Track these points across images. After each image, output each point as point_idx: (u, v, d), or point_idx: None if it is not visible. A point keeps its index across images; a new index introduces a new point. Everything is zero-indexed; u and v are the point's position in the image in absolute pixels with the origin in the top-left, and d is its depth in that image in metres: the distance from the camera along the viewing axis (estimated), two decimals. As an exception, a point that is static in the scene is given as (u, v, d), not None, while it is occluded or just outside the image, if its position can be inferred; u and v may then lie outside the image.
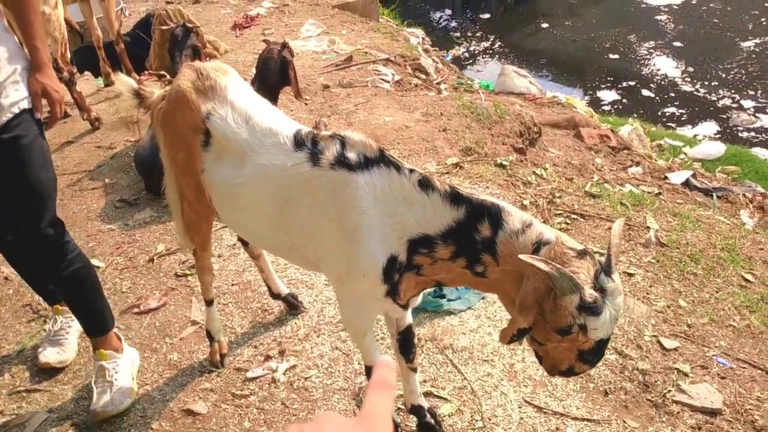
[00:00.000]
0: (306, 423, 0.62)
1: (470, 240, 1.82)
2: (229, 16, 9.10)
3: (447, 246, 1.86)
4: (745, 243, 3.81)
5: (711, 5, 13.46)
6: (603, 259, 1.70)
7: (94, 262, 3.82)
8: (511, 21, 13.83)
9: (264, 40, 4.73)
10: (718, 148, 7.80)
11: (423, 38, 10.28)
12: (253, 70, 6.20)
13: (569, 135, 5.98)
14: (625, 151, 6.10)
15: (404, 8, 12.59)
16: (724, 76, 10.68)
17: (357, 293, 2.10)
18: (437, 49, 10.45)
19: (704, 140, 8.54)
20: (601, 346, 1.72)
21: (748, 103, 9.81)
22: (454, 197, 1.83)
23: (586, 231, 3.79)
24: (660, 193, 4.87)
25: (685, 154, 7.71)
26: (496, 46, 12.59)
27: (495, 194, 4.14)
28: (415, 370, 2.49)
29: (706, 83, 10.46)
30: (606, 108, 9.82)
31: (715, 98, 10.01)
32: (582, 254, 1.67)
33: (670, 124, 9.32)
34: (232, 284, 3.55)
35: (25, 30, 2.36)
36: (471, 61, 12.19)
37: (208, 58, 5.74)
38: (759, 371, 2.84)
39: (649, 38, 12.07)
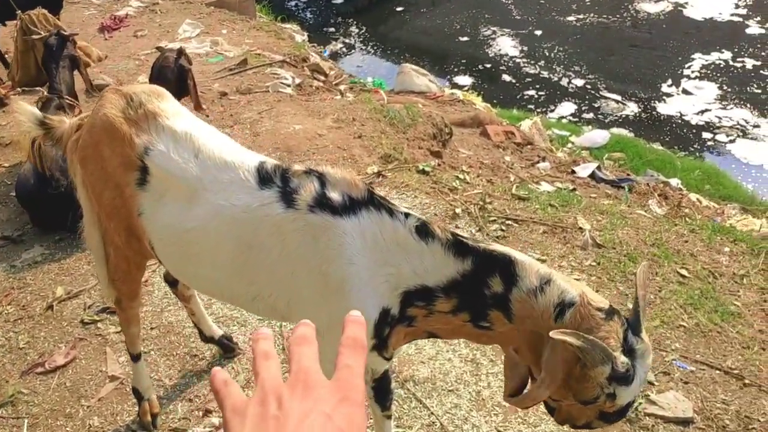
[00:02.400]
0: (284, 385, 0.60)
1: (478, 295, 1.60)
2: (94, 17, 8.37)
3: (449, 300, 1.64)
4: (670, 236, 3.86)
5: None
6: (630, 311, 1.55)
7: (-21, 314, 3.27)
8: (378, 13, 13.73)
9: (157, 47, 4.29)
10: (603, 136, 8.09)
11: (306, 35, 9.97)
12: (140, 80, 5.68)
13: (476, 133, 5.93)
14: (530, 146, 6.13)
15: (275, 3, 12.16)
16: (562, 56, 11.06)
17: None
18: (315, 45, 10.16)
19: (588, 129, 8.83)
20: (627, 407, 1.56)
21: (598, 84, 10.20)
22: (459, 247, 1.61)
23: (523, 237, 3.69)
24: (575, 189, 4.90)
25: (573, 143, 7.94)
26: (371, 39, 12.45)
27: (424, 203, 3.96)
28: (390, 417, 2.25)
29: (554, 65, 10.80)
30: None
31: (563, 79, 10.33)
32: (610, 314, 1.51)
33: (530, 106, 9.54)
34: (152, 327, 3.14)
35: None
36: (348, 55, 11.99)
37: (86, 68, 5.16)
38: (717, 372, 2.84)
39: (499, 23, 12.31)
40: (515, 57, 11.01)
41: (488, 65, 10.83)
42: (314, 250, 1.68)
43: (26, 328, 3.19)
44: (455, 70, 10.71)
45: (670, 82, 9.98)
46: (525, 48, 11.24)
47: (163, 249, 1.99)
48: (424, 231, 1.63)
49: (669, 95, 9.70)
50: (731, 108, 9.30)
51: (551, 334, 1.44)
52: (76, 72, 4.49)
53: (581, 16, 12.18)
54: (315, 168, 1.76)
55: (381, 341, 1.74)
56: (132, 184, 1.94)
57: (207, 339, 2.92)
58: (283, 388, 0.59)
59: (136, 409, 2.67)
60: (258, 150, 4.54)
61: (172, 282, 2.75)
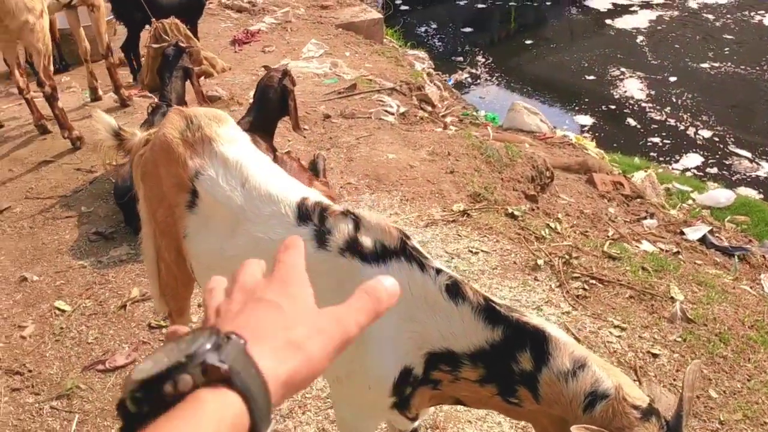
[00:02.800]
0: (228, 288, 0.62)
1: (506, 369, 1.47)
2: (229, 30, 8.77)
3: (475, 368, 1.51)
4: (776, 320, 3.47)
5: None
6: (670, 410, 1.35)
7: (60, 304, 3.44)
8: (511, 45, 13.54)
9: (264, 66, 4.40)
10: (727, 196, 7.50)
11: (428, 62, 10.00)
12: (250, 95, 5.87)
13: (581, 180, 5.66)
14: (638, 200, 5.78)
15: (407, 29, 12.28)
16: (691, 104, 10.35)
17: (358, 399, 1.74)
18: (440, 73, 10.16)
19: (713, 186, 8.23)
20: None
21: (727, 138, 9.46)
22: (490, 314, 1.48)
23: (606, 299, 3.44)
24: (678, 252, 4.54)
25: (693, 200, 7.41)
26: (497, 70, 12.28)
27: (505, 249, 3.79)
28: (417, 478, 2.13)
29: (682, 113, 10.13)
30: (587, 135, 9.42)
31: (693, 130, 9.67)
32: (647, 415, 1.33)
33: (652, 154, 9.00)
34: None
35: None
36: (473, 86, 11.88)
37: (201, 78, 5.40)
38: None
39: (629, 64, 11.71)
40: (641, 101, 10.50)
41: (612, 106, 10.40)
42: (338, 296, 1.60)
43: (98, 324, 3.32)
44: (577, 108, 10.37)
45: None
46: (653, 92, 10.70)
47: (201, 273, 1.99)
48: (454, 291, 1.52)
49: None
50: None
51: (572, 429, 1.29)
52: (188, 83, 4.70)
53: (717, 65, 11.47)
54: (352, 210, 1.69)
55: (402, 400, 1.63)
56: (182, 206, 1.96)
57: None
58: (222, 303, 0.60)
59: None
60: (349, 175, 4.56)
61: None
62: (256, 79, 6.75)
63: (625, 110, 10.30)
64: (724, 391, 2.89)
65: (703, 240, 5.20)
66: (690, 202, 7.30)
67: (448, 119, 6.22)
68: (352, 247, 1.60)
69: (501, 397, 1.52)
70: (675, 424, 1.35)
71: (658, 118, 10.07)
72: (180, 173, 1.94)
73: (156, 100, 4.57)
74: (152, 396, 0.46)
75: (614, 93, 10.84)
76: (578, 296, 3.44)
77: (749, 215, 7.16)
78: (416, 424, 1.99)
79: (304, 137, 4.87)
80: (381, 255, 1.58)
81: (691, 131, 9.64)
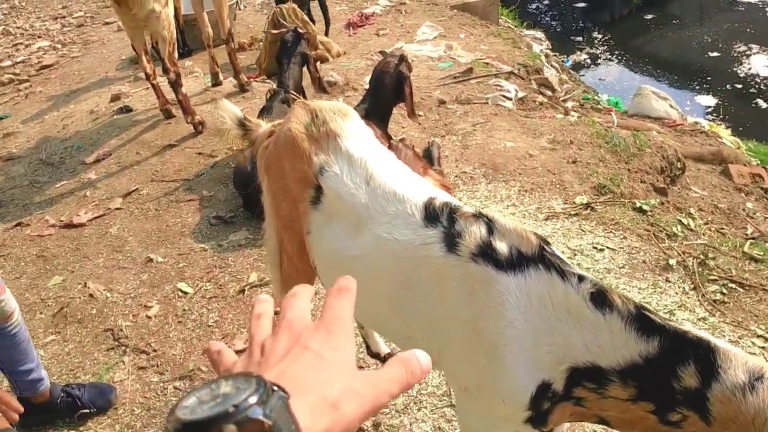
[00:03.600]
0: (270, 333, 0.63)
1: (664, 387, 1.31)
2: (344, 13, 8.79)
3: (626, 387, 1.36)
4: None
5: None
6: None
7: (182, 286, 3.54)
8: (632, 22, 12.80)
9: (380, 52, 4.32)
10: None
11: (546, 43, 9.62)
12: (366, 80, 5.83)
13: (715, 171, 5.23)
14: (780, 194, 5.28)
15: (522, 8, 11.85)
16: None
17: (488, 411, 1.64)
18: (557, 54, 9.75)
19: None
20: None
21: None
22: (644, 323, 1.33)
23: (747, 306, 3.14)
24: (829, 255, 4.10)
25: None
26: (617, 49, 11.65)
27: (633, 247, 3.55)
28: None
29: None
30: (711, 117, 8.71)
31: None
32: None
33: None
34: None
35: None
36: (592, 66, 11.34)
37: (317, 63, 5.41)
38: None
39: (758, 39, 10.72)
40: (765, 78, 9.66)
41: (739, 86, 9.62)
42: (470, 304, 1.51)
43: (218, 307, 3.39)
44: (697, 87, 9.67)
45: None
46: None
47: (324, 270, 1.95)
48: (600, 299, 1.38)
49: None
50: None
51: None
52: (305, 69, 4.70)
53: None
54: (485, 213, 1.58)
55: (539, 415, 1.51)
56: (306, 201, 1.92)
57: (373, 354, 2.86)
58: (267, 338, 0.61)
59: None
60: (464, 164, 4.43)
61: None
62: (372, 63, 6.72)
63: (751, 89, 9.51)
64: None
65: None
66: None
67: (569, 104, 5.93)
68: (486, 253, 1.49)
69: (658, 416, 1.36)
70: None
71: None
72: (305, 169, 1.90)
73: (274, 85, 4.61)
74: None
75: (740, 71, 10.05)
76: (716, 301, 3.16)
77: None
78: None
79: (419, 124, 4.77)
80: (517, 262, 1.46)
81: None
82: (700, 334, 1.31)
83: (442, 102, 5.31)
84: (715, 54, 10.67)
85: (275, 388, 0.51)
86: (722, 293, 3.22)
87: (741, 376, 1.23)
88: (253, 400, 0.49)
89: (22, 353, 2.54)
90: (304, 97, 4.67)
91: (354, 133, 1.91)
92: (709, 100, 9.34)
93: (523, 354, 1.44)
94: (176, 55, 4.92)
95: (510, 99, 5.34)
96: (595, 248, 3.53)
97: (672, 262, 3.41)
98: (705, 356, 1.26)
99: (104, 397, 2.83)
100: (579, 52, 11.81)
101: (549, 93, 5.99)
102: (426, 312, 1.64)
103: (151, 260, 3.79)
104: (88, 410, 2.77)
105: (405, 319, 1.72)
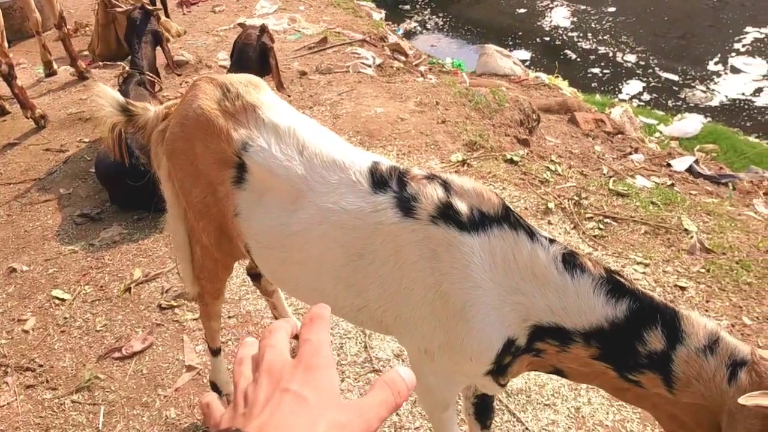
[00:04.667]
0: (250, 381, 0.62)
1: (628, 350, 1.36)
2: (173, -9, 8.33)
3: (588, 347, 1.40)
4: (785, 242, 3.50)
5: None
6: None
7: (57, 293, 3.23)
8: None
9: (239, 24, 4.16)
10: (694, 126, 7.58)
11: (385, 14, 9.75)
12: (219, 57, 5.59)
13: (563, 120, 5.61)
14: (620, 136, 5.77)
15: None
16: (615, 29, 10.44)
17: (450, 368, 1.63)
18: (389, 23, 9.91)
19: (678, 117, 8.31)
20: None
21: (651, 61, 9.58)
22: (613, 287, 1.36)
23: (623, 237, 3.41)
24: (673, 184, 4.55)
25: (661, 132, 7.47)
26: (443, 17, 12.11)
27: (513, 196, 3.72)
28: (488, 436, 2.06)
29: (608, 38, 10.23)
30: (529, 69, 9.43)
31: (631, 57, 9.78)
32: None
33: (594, 84, 9.06)
34: (229, 316, 3.03)
35: None
36: (422, 34, 11.67)
37: (168, 44, 5.09)
38: None
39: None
40: (573, 30, 10.56)
41: (546, 38, 10.41)
42: (434, 267, 1.47)
43: (104, 310, 3.12)
44: (511, 43, 10.31)
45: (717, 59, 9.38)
46: (575, 20, 10.78)
47: (261, 252, 1.81)
48: (571, 262, 1.39)
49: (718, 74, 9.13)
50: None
51: (740, 400, 1.20)
52: (158, 48, 4.42)
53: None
54: (438, 173, 1.55)
55: (500, 368, 1.53)
56: (227, 183, 1.78)
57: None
58: (249, 385, 0.61)
59: (213, 403, 2.55)
60: (338, 134, 4.37)
61: (254, 275, 2.61)
62: (219, 40, 6.47)
63: (556, 42, 10.32)
64: (757, 318, 2.90)
65: (690, 171, 5.24)
66: (657, 134, 7.35)
67: (422, 68, 6.06)
68: (446, 214, 1.46)
69: (617, 374, 1.41)
70: None
71: (592, 47, 10.12)
72: (222, 147, 1.75)
73: (126, 68, 4.28)
74: None
75: (545, 24, 10.87)
76: (595, 237, 3.40)
77: (717, 143, 7.27)
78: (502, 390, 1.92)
79: (288, 96, 4.65)
80: (480, 222, 1.44)
81: (627, 58, 9.71)
82: (663, 300, 1.38)
83: (303, 73, 5.21)
84: (522, 11, 11.40)
85: None
86: (600, 228, 3.46)
87: (702, 339, 1.31)
88: None
89: None
90: (159, 78, 4.38)
91: (273, 103, 1.80)
92: (524, 54, 9.97)
93: (490, 313, 1.44)
94: (6, 44, 4.41)
95: (370, 66, 5.35)
96: (480, 201, 3.65)
97: (551, 205, 3.61)
98: (671, 321, 1.33)
99: None
100: (409, 21, 12.08)
101: (403, 58, 6.07)
102: (382, 280, 1.58)
103: (14, 270, 3.41)
104: None
105: (357, 290, 1.65)
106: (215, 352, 2.47)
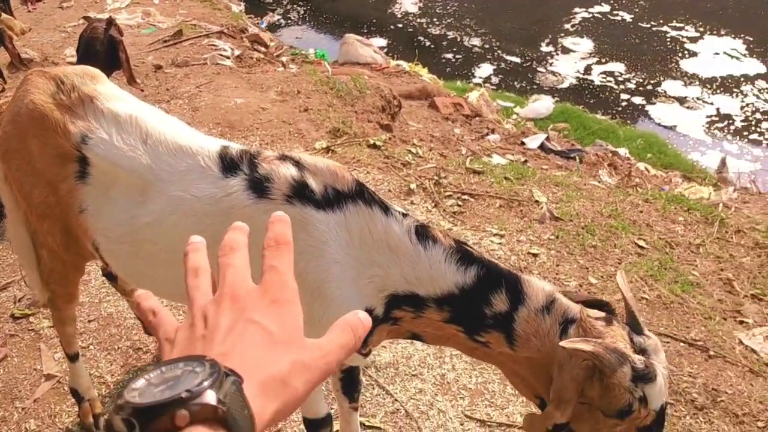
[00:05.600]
0: (211, 303, 0.57)
1: (476, 312, 1.46)
2: (15, -13, 7.80)
3: (440, 311, 1.49)
4: (625, 207, 3.83)
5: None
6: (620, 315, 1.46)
7: None
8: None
9: (84, 17, 3.98)
10: (547, 107, 8.09)
11: (243, 5, 9.63)
12: (66, 53, 5.30)
13: (424, 106, 5.80)
14: (478, 118, 6.04)
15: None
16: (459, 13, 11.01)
17: None
18: (251, 16, 9.80)
19: (532, 99, 8.79)
20: (663, 412, 1.44)
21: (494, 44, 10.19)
22: (462, 256, 1.45)
23: (480, 212, 3.59)
24: (526, 161, 4.84)
25: (517, 114, 7.90)
26: (305, 9, 12.17)
27: (377, 179, 3.81)
28: (356, 409, 2.12)
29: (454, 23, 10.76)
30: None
31: (478, 41, 10.35)
32: (608, 321, 1.41)
33: (448, 69, 9.51)
34: (89, 320, 2.91)
35: None
36: (286, 27, 11.64)
37: (11, 42, 4.78)
38: (682, 344, 2.81)
39: None
40: (418, 16, 10.99)
41: (399, 25, 10.76)
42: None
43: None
44: (366, 32, 10.55)
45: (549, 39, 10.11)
46: (422, 5, 11.27)
47: (110, 248, 1.75)
48: (423, 234, 1.46)
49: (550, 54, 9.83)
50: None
51: (561, 343, 1.33)
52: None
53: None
54: (289, 154, 1.56)
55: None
56: (70, 179, 1.70)
57: (150, 332, 2.71)
58: (210, 306, 0.57)
59: (76, 409, 2.46)
60: (198, 126, 4.29)
61: (110, 275, 2.52)
62: (66, 36, 6.13)
63: (408, 29, 10.70)
64: (602, 277, 3.16)
65: (542, 147, 5.58)
66: (514, 116, 7.77)
67: (284, 58, 6.04)
68: (301, 194, 1.47)
69: (467, 335, 1.52)
70: (631, 321, 1.44)
71: (442, 33, 10.58)
72: (60, 142, 1.68)
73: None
74: (145, 424, 0.46)
75: (396, 11, 11.25)
76: (455, 213, 3.56)
77: (568, 122, 7.79)
78: (367, 360, 1.98)
79: (142, 91, 4.50)
80: (335, 199, 1.48)
81: (473, 42, 10.23)
82: (507, 266, 1.50)
83: (158, 67, 5.05)
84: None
85: (230, 375, 0.49)
86: (458, 205, 3.63)
87: (541, 300, 1.44)
88: (206, 384, 0.47)
89: None
90: (3, 78, 4.11)
91: (111, 93, 1.75)
92: (382, 42, 10.22)
93: (348, 287, 1.49)
94: None
95: (228, 57, 5.28)
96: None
97: (413, 186, 3.74)
98: (514, 285, 1.45)
99: None
100: (272, 14, 11.99)
101: (263, 49, 6.03)
102: None
103: None
104: None
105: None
106: (73, 358, 2.36)
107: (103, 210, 1.70)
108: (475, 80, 9.40)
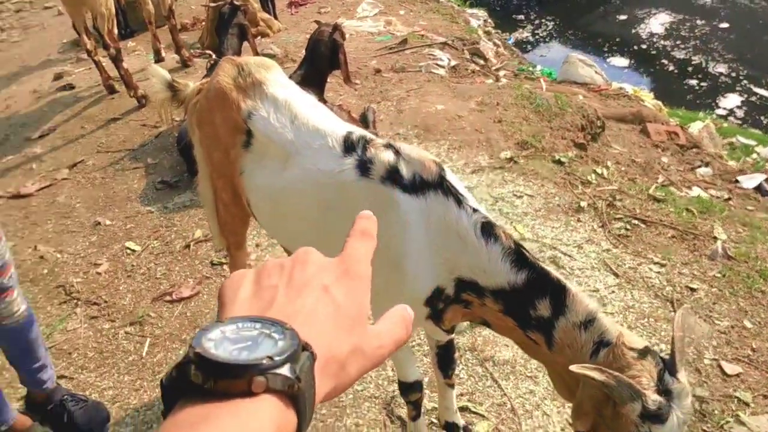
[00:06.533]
0: (285, 260, 0.57)
1: (523, 312, 1.61)
2: (287, -8, 8.92)
3: (496, 303, 1.65)
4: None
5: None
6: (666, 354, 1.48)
7: (130, 245, 3.74)
8: (579, 3, 13.28)
9: (315, 21, 4.55)
10: (796, 149, 7.27)
11: (485, 20, 9.93)
12: (303, 53, 6.03)
13: (635, 130, 5.62)
14: (694, 150, 5.69)
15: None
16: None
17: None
18: (500, 32, 10.05)
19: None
20: None
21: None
22: (518, 258, 1.60)
23: (647, 239, 3.49)
24: (729, 199, 4.51)
25: (758, 153, 7.21)
26: (562, 29, 12.09)
27: (549, 192, 3.88)
28: (452, 386, 2.30)
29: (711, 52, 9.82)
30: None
31: (729, 71, 9.37)
32: (643, 354, 1.45)
33: (689, 97, 8.77)
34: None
35: None
36: (534, 45, 11.74)
37: (257, 38, 5.60)
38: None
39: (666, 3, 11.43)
40: (662, 37, 10.31)
41: (643, 46, 10.22)
42: (379, 221, 1.73)
43: (165, 261, 3.60)
44: (607, 52, 10.19)
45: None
46: (668, 25, 10.52)
47: (257, 205, 2.16)
48: (487, 230, 1.62)
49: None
50: None
51: (571, 367, 1.42)
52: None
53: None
54: (393, 143, 1.82)
55: (435, 312, 1.78)
56: (238, 146, 2.13)
57: None
58: (286, 261, 0.57)
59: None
60: (398, 127, 4.70)
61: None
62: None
63: (652, 50, 10.10)
64: (759, 323, 2.93)
65: (758, 188, 5.12)
66: (755, 156, 7.11)
67: (501, 73, 6.25)
68: (392, 177, 1.71)
69: (521, 330, 1.65)
70: (671, 360, 1.46)
71: (686, 57, 9.85)
72: (234, 116, 2.11)
73: (214, 57, 4.79)
74: (221, 380, 0.45)
75: (641, 31, 10.69)
76: (620, 236, 3.51)
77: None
78: (451, 336, 2.16)
79: (356, 90, 5.02)
80: (420, 186, 1.69)
81: (726, 71, 9.38)
82: (559, 276, 1.60)
83: (377, 71, 5.57)
84: (623, 17, 11.19)
85: (307, 349, 0.48)
86: (626, 229, 3.57)
87: (581, 316, 1.54)
88: (286, 356, 0.46)
89: (27, 350, 2.51)
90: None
91: (277, 81, 2.14)
92: (622, 62, 9.85)
93: (423, 263, 1.70)
94: (116, 31, 5.06)
95: (443, 67, 5.62)
96: (516, 195, 3.85)
97: (583, 204, 3.75)
98: (558, 295, 1.57)
99: (96, 423, 2.67)
100: (521, 30, 12.18)
101: (481, 62, 6.29)
102: (342, 231, 1.87)
103: (99, 224, 3.97)
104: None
105: (328, 240, 1.96)
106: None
107: (256, 173, 2.09)
108: (719, 111, 8.75)
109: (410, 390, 2.16)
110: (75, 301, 3.38)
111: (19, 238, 3.95)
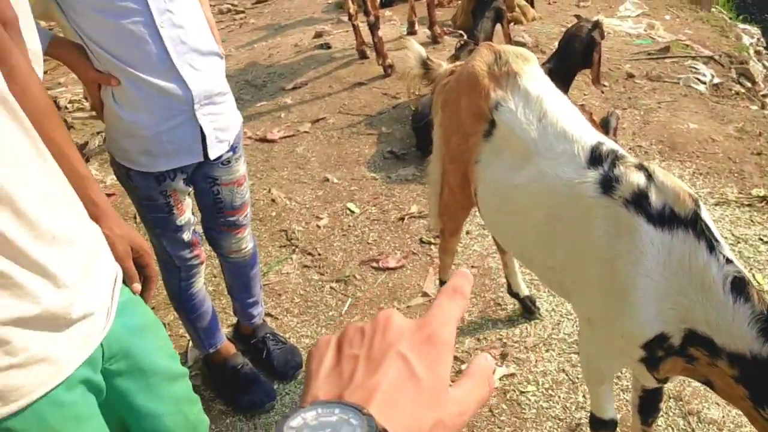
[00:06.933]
0: (365, 324, 0.57)
1: (763, 387, 1.39)
2: (548, -18, 8.69)
3: (731, 367, 1.44)
4: None
5: None
6: None
7: (351, 206, 3.91)
8: None
9: (575, 15, 4.36)
10: None
11: (758, 39, 8.92)
12: (555, 45, 5.83)
13: None
14: None
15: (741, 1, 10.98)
16: None
17: (607, 342, 1.77)
18: (773, 51, 8.96)
19: None
20: None
21: None
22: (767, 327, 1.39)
23: None
24: None
25: None
26: None
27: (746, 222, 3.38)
28: (647, 432, 2.11)
29: None
30: None
31: None
32: None
33: None
34: (473, 266, 3.37)
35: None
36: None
37: (511, 24, 5.51)
38: None
39: None
40: None
41: None
42: (612, 245, 1.60)
43: (378, 228, 3.71)
44: None
45: None
46: None
47: (484, 197, 2.12)
48: (739, 287, 1.42)
49: None
50: None
51: None
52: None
53: None
54: (647, 165, 1.65)
55: (652, 359, 1.61)
56: (478, 134, 2.08)
57: (513, 293, 3.03)
58: (367, 326, 0.56)
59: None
60: (640, 139, 4.39)
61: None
62: (564, 30, 6.70)
63: None
64: None
65: None
66: None
67: (770, 99, 5.56)
68: (638, 202, 1.56)
69: (753, 404, 1.43)
70: None
71: None
72: (481, 104, 2.06)
73: (465, 37, 4.79)
74: None
75: None
76: None
77: None
78: (662, 386, 1.97)
79: (602, 92, 4.75)
80: (668, 220, 1.52)
81: None
82: None
83: (630, 76, 5.22)
84: None
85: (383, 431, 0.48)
86: None
87: None
88: None
89: (246, 285, 2.69)
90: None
91: (533, 75, 2.05)
92: None
93: (651, 303, 1.53)
94: (378, 1, 5.25)
95: (704, 83, 5.13)
96: (761, 240, 3.41)
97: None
98: None
99: (290, 366, 2.82)
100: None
101: (748, 84, 5.64)
102: (569, 245, 1.77)
103: (327, 180, 4.19)
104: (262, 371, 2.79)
105: (550, 249, 1.86)
106: (443, 284, 2.85)
107: (491, 166, 2.04)
108: None
109: (603, 427, 2.01)
110: (293, 247, 3.62)
111: (258, 179, 4.30)
